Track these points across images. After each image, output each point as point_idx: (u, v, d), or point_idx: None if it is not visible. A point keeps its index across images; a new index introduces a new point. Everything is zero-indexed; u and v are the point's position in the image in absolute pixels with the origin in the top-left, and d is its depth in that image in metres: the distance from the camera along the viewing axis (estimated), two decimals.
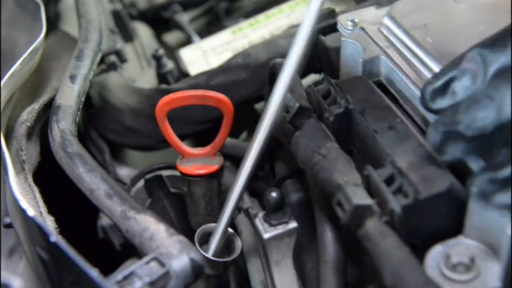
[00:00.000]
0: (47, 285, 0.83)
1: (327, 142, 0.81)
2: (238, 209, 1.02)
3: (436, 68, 0.84)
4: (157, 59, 1.39)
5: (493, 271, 0.67)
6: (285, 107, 0.85)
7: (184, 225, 1.11)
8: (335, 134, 0.83)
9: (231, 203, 0.86)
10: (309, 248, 0.96)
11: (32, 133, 1.05)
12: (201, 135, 1.19)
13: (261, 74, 1.11)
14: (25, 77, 1.08)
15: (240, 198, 0.86)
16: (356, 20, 0.96)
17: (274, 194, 0.86)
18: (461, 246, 0.69)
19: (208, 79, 1.15)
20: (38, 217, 0.78)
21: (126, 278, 0.71)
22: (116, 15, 1.56)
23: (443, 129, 0.68)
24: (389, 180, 0.72)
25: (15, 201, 0.79)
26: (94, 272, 0.68)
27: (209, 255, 0.89)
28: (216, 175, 1.00)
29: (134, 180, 1.16)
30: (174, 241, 0.76)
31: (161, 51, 1.39)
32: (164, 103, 0.95)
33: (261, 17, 1.46)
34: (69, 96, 1.01)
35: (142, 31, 1.65)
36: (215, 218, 0.97)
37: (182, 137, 1.04)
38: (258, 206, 0.99)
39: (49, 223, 0.90)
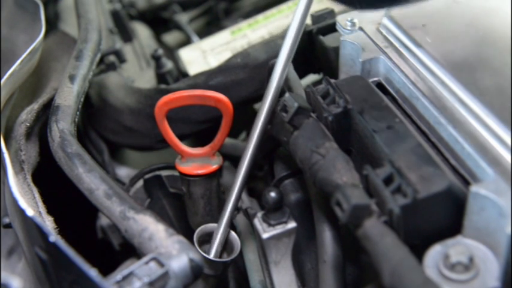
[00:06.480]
0: (46, 285, 0.83)
1: (326, 142, 0.81)
2: (237, 208, 1.02)
3: (435, 68, 0.84)
4: (156, 59, 1.39)
5: (492, 271, 0.67)
6: (282, 106, 0.85)
7: (184, 225, 1.11)
8: (334, 133, 0.83)
9: (231, 203, 0.86)
10: (308, 247, 0.96)
11: (31, 133, 1.05)
12: (200, 135, 1.19)
13: (260, 73, 1.11)
14: (24, 77, 1.08)
15: (239, 197, 0.86)
16: (355, 20, 0.96)
17: (273, 194, 0.86)
18: (460, 246, 0.69)
19: (207, 79, 1.15)
20: (37, 217, 0.78)
21: (125, 278, 0.71)
22: (115, 16, 1.55)
23: None
24: (388, 180, 0.72)
25: (14, 201, 0.79)
26: (93, 272, 0.68)
27: (210, 255, 0.89)
28: (215, 175, 1.00)
29: (133, 180, 1.16)
30: (173, 241, 0.76)
31: (160, 51, 1.39)
32: (163, 103, 0.95)
33: (260, 17, 1.47)
34: (69, 97, 1.01)
35: (142, 31, 1.65)
36: (214, 218, 0.97)
37: (181, 137, 1.04)
38: (257, 206, 0.99)
39: (48, 223, 0.90)
